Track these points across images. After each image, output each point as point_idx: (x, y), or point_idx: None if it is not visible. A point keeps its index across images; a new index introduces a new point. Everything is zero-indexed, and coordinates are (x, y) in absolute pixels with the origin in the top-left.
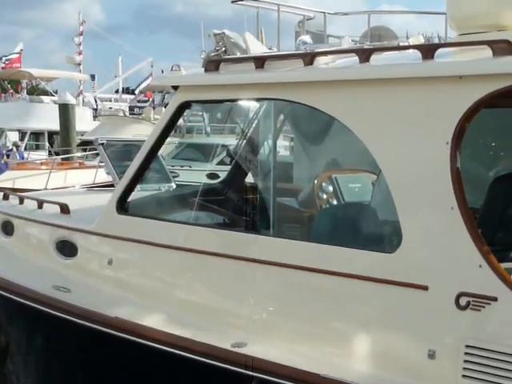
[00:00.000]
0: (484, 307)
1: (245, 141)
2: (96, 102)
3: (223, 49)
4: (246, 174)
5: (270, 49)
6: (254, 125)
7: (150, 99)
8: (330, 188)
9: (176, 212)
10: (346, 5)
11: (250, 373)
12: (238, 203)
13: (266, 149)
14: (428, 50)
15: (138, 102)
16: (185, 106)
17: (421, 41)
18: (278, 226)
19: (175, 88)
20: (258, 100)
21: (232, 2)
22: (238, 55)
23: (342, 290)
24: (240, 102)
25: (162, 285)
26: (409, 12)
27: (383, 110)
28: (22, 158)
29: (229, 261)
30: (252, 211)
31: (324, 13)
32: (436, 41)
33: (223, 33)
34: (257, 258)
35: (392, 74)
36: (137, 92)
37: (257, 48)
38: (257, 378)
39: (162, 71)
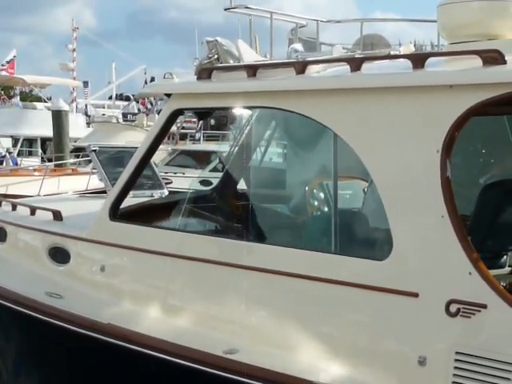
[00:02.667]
0: (474, 314)
1: (237, 148)
2: (87, 108)
3: (216, 56)
4: (238, 181)
5: (264, 56)
6: (246, 132)
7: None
8: (322, 195)
9: (169, 219)
10: (339, 12)
11: (243, 379)
12: (229, 210)
13: (259, 156)
14: (419, 59)
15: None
16: (177, 114)
17: (411, 50)
18: (270, 232)
19: (168, 95)
20: (249, 108)
21: (225, 9)
22: (231, 63)
23: (333, 297)
24: (232, 110)
25: (154, 291)
26: (401, 20)
27: (374, 118)
28: (16, 164)
29: (221, 267)
30: (243, 218)
31: (317, 20)
32: (429, 48)
33: (216, 40)
34: (248, 264)
35: (383, 83)
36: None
37: (249, 55)
38: None
39: (153, 78)
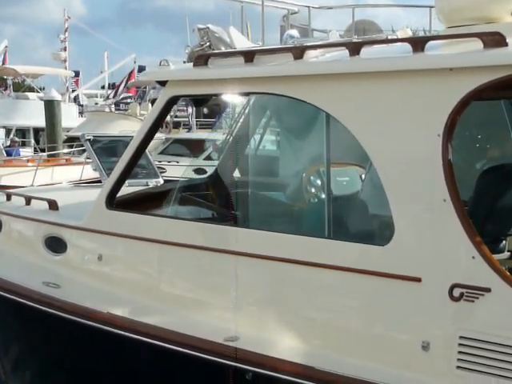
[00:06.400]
0: (477, 298)
1: (233, 135)
2: (79, 97)
3: (208, 43)
4: (234, 169)
5: (256, 43)
6: (242, 119)
7: (135, 95)
8: (318, 181)
9: (164, 207)
10: None
11: (244, 366)
12: (224, 197)
13: (255, 143)
14: (418, 43)
15: (122, 99)
16: (173, 101)
17: (408, 34)
18: (269, 220)
19: (161, 83)
20: (247, 94)
21: None
22: (227, 49)
23: (335, 283)
24: (229, 97)
25: (152, 279)
26: (393, 5)
27: (374, 103)
28: (19, 155)
29: (218, 254)
30: (239, 205)
31: (308, 7)
32: (421, 34)
33: (207, 28)
34: (248, 251)
35: (383, 67)
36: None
37: (241, 42)
38: (251, 371)
39: (143, 67)
